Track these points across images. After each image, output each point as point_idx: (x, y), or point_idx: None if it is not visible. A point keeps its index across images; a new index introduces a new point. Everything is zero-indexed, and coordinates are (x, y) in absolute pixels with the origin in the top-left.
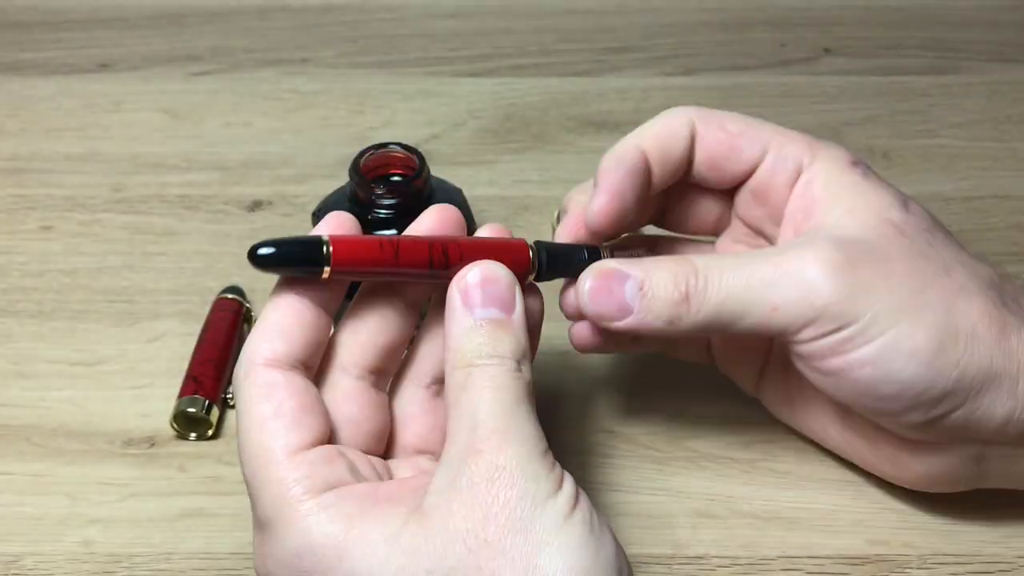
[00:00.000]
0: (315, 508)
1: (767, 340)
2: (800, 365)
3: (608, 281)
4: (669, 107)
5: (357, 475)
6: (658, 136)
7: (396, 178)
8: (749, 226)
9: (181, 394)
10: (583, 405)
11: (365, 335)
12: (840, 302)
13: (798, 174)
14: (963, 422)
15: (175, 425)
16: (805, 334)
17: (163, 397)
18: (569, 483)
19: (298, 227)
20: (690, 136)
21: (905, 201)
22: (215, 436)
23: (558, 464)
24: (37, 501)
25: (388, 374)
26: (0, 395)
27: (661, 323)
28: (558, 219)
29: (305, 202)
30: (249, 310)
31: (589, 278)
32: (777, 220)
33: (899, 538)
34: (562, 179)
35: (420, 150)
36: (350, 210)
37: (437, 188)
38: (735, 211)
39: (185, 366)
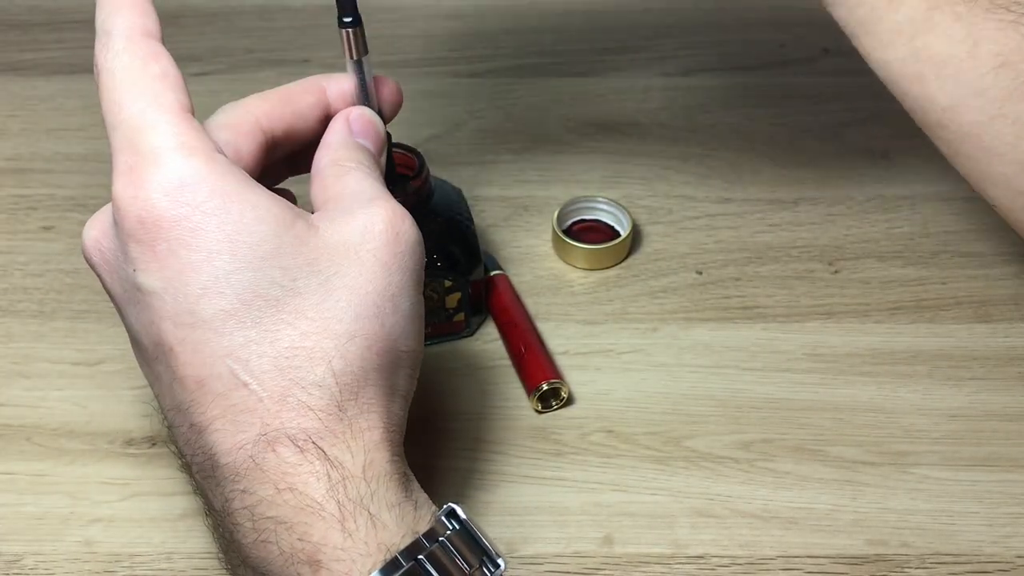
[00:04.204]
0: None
1: None
2: None
3: None
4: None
5: None
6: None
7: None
8: None
9: None
10: (583, 405)
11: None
12: None
13: None
14: None
15: None
16: None
17: None
18: None
19: None
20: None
21: None
22: None
23: None
24: (38, 501)
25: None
26: (1, 395)
27: None
28: (558, 219)
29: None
30: None
31: None
32: None
33: (898, 538)
34: (562, 179)
35: (420, 150)
36: None
37: (437, 188)
38: None
39: None
